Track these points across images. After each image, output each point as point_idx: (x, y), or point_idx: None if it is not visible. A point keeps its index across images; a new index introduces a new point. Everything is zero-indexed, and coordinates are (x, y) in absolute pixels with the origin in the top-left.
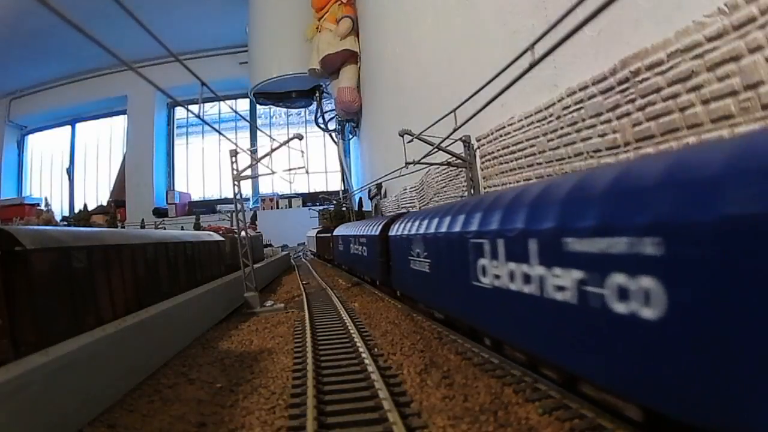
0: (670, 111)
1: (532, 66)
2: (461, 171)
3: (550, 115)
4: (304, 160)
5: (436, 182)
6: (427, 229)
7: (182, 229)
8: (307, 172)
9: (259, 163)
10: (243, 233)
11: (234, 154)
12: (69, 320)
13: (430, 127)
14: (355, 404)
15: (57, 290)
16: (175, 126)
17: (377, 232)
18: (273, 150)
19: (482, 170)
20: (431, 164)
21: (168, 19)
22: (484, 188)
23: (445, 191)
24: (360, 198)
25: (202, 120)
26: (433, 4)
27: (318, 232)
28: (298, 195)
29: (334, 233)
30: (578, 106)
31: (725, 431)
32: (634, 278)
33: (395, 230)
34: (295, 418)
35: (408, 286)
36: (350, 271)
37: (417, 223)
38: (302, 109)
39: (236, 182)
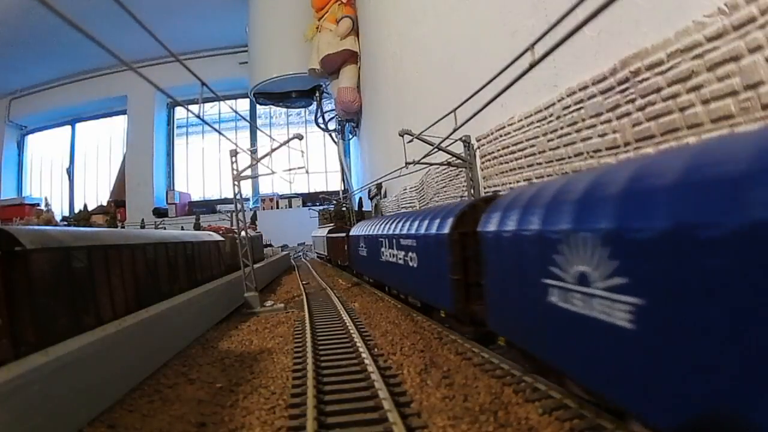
0: (670, 111)
1: (532, 66)
2: (461, 171)
3: (550, 115)
4: (304, 160)
5: (436, 182)
6: (636, 218)
7: (182, 229)
8: (307, 172)
9: (259, 163)
10: (243, 233)
11: (234, 154)
12: (69, 320)
13: (430, 127)
14: (355, 404)
15: (57, 290)
16: (175, 126)
17: (445, 229)
18: (273, 150)
19: (482, 170)
20: (431, 164)
21: (168, 19)
22: (484, 188)
23: (445, 191)
24: (360, 198)
25: (202, 120)
26: (433, 4)
27: (329, 231)
28: (298, 195)
29: (352, 233)
30: (578, 106)
31: None
32: None
33: (496, 222)
34: (295, 418)
35: (541, 341)
36: (379, 285)
37: (577, 208)
38: (302, 109)
39: (236, 182)
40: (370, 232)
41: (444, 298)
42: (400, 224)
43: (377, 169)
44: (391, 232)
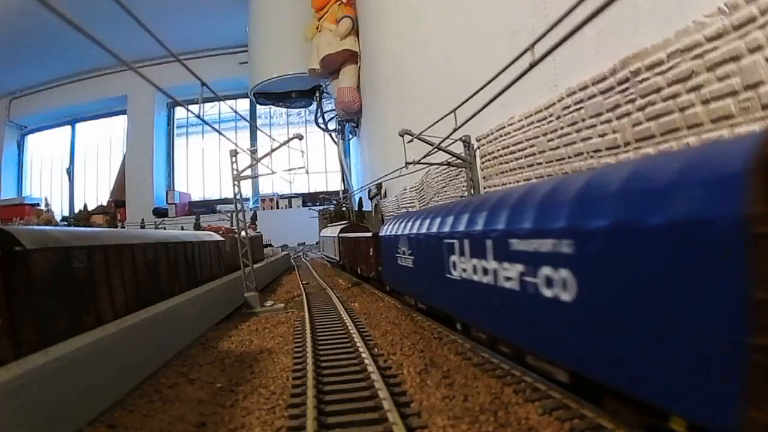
0: (670, 111)
1: (532, 66)
2: (461, 171)
3: (550, 115)
4: (304, 160)
5: (436, 182)
6: None
7: (182, 229)
8: (307, 172)
9: (259, 163)
10: (243, 233)
11: (234, 154)
12: (69, 320)
13: (430, 127)
14: (355, 404)
15: (57, 290)
16: (175, 126)
17: (736, 207)
18: (273, 150)
19: (482, 170)
20: (431, 164)
21: (168, 19)
22: (484, 188)
23: (445, 191)
24: (360, 198)
25: (202, 120)
26: (433, 4)
27: (342, 231)
28: (298, 195)
29: (385, 233)
30: (578, 106)
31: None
32: None
33: None
34: (295, 418)
35: None
36: (440, 317)
37: None
38: (302, 109)
39: (236, 182)
40: (425, 230)
41: (699, 390)
42: (507, 210)
43: (377, 169)
44: (479, 227)
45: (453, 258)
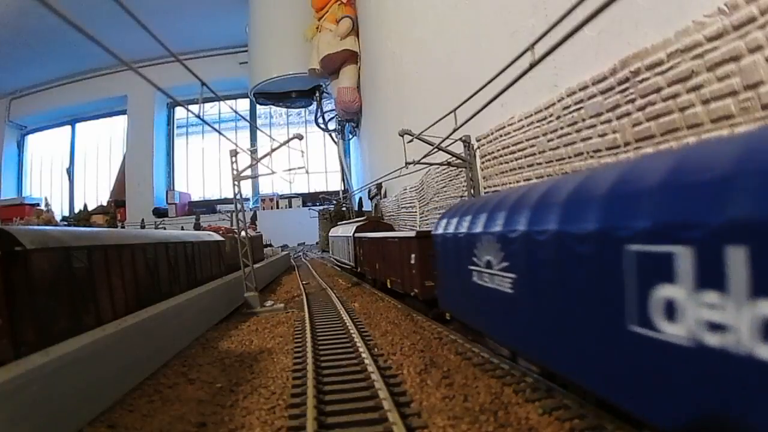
0: (670, 111)
1: (532, 66)
2: (461, 171)
3: (550, 115)
4: (304, 160)
5: (436, 182)
6: None
7: (182, 229)
8: (307, 172)
9: (259, 163)
10: (243, 233)
11: (234, 154)
12: (69, 320)
13: (430, 127)
14: (355, 404)
15: (57, 290)
16: (175, 126)
17: None
18: (273, 150)
19: (482, 170)
20: (431, 164)
21: (168, 19)
22: (484, 188)
23: (445, 191)
24: (360, 198)
25: (202, 120)
26: (433, 4)
27: (358, 230)
28: (298, 195)
29: (444, 230)
30: (578, 106)
31: None
32: None
33: None
34: (295, 418)
35: None
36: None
37: None
38: (302, 109)
39: (236, 182)
40: (552, 226)
41: None
42: None
43: (377, 169)
44: None
45: (670, 290)
